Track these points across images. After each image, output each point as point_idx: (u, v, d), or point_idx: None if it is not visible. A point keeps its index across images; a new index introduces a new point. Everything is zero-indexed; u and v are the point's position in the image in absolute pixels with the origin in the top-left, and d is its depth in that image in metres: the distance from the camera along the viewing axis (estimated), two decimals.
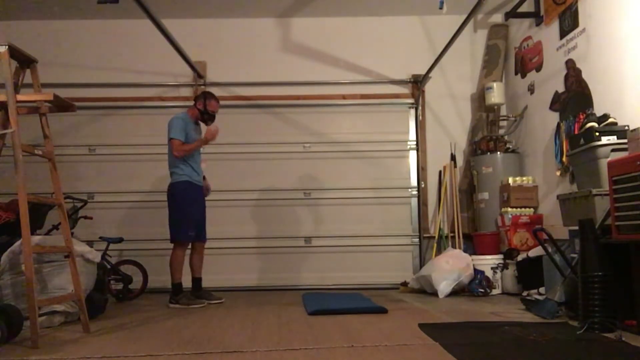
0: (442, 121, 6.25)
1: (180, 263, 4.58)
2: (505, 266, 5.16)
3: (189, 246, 4.70)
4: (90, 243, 4.52)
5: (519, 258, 4.96)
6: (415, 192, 6.15)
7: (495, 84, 5.80)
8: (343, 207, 6.06)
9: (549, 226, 4.74)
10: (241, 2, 5.94)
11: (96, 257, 3.97)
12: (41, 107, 3.29)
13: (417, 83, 6.18)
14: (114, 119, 6.13)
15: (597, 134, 3.84)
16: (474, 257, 5.27)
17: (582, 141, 4.00)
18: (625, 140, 3.58)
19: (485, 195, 5.70)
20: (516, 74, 5.89)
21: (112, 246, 5.11)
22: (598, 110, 4.25)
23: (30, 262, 2.90)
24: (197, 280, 4.75)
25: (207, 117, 4.75)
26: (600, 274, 3.07)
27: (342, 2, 5.99)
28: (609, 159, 3.62)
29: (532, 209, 5.35)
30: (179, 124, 4.56)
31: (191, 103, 6.10)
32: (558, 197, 4.24)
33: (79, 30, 6.20)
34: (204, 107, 4.72)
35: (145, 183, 6.00)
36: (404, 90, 6.27)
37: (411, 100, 6.24)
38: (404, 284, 5.58)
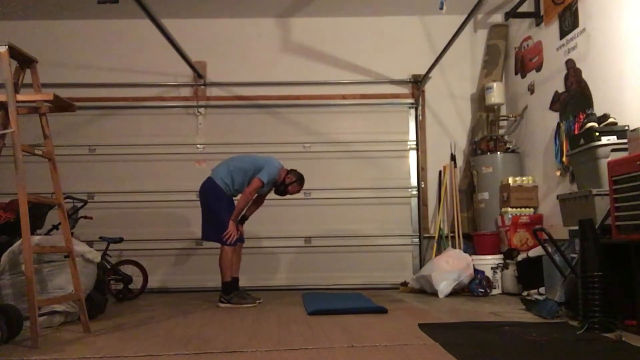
0: (442, 121, 6.25)
1: (229, 261, 4.52)
2: (505, 266, 5.16)
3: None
4: (90, 243, 4.51)
5: (519, 258, 4.96)
6: (415, 192, 6.15)
7: (495, 84, 5.80)
8: (343, 207, 6.06)
9: (549, 226, 4.75)
10: (241, 2, 5.94)
11: (96, 257, 3.96)
12: (41, 107, 3.29)
13: (417, 83, 6.18)
14: (114, 119, 6.13)
15: (597, 134, 3.84)
16: (474, 257, 5.27)
17: (582, 141, 4.00)
18: (625, 140, 3.58)
19: (485, 195, 5.70)
20: (516, 74, 5.89)
21: (112, 246, 5.11)
22: (598, 110, 4.25)
23: (30, 262, 2.90)
24: (235, 280, 4.70)
25: (282, 190, 4.70)
26: (600, 274, 3.07)
27: (342, 2, 5.99)
28: (609, 159, 3.62)
29: (532, 209, 5.35)
30: (273, 174, 4.54)
31: (191, 103, 6.16)
32: (558, 197, 4.24)
33: (79, 30, 6.20)
34: (288, 184, 4.66)
35: (145, 183, 6.00)
36: (404, 90, 6.27)
37: (411, 100, 6.24)
38: (404, 284, 5.58)
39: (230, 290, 4.52)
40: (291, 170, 4.74)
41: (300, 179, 4.72)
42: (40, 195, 3.58)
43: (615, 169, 3.20)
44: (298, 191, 4.77)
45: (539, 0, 5.30)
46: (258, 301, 4.58)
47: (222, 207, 4.55)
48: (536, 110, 5.41)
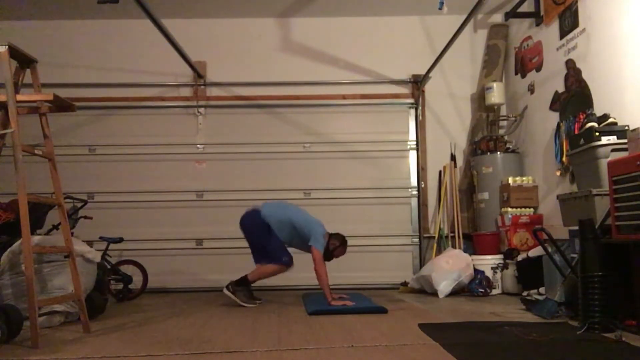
0: (442, 121, 6.25)
1: (269, 275, 4.61)
2: (505, 266, 5.16)
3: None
4: (90, 243, 4.51)
5: (519, 258, 4.96)
6: (415, 192, 6.15)
7: (495, 84, 5.80)
8: (343, 207, 6.06)
9: (549, 226, 4.74)
10: (241, 2, 5.94)
11: (96, 257, 3.97)
12: (41, 107, 3.29)
13: (417, 83, 6.18)
14: (114, 119, 6.13)
15: (597, 134, 3.84)
16: (474, 257, 5.27)
17: (582, 141, 4.00)
18: (625, 140, 3.58)
19: (485, 195, 5.70)
20: (516, 74, 5.89)
21: (112, 246, 5.11)
22: (598, 110, 4.25)
23: (30, 262, 2.90)
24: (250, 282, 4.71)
25: (328, 256, 4.64)
26: (600, 274, 3.07)
27: (342, 2, 5.99)
28: (609, 159, 3.62)
29: (532, 209, 5.35)
30: (322, 241, 4.51)
31: (191, 103, 6.16)
32: (558, 197, 4.24)
33: (79, 30, 6.20)
34: (332, 249, 4.63)
35: (145, 183, 6.00)
36: (404, 90, 6.27)
37: (411, 100, 6.24)
38: (404, 284, 5.58)
39: (242, 285, 4.55)
40: (333, 234, 4.67)
41: (343, 243, 4.69)
42: (40, 195, 3.58)
43: (615, 169, 3.20)
44: (343, 254, 4.75)
45: (539, 0, 5.30)
46: (258, 302, 4.62)
47: (271, 235, 4.60)
48: (536, 110, 5.41)
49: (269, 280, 5.83)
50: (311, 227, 4.52)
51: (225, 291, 4.52)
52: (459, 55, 6.10)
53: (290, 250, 4.70)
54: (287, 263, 4.60)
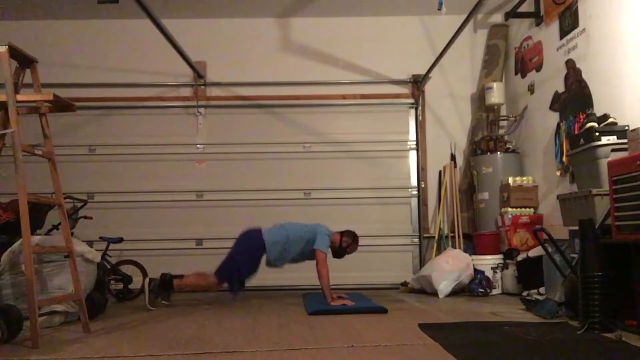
0: (442, 121, 6.25)
1: (196, 287, 4.60)
2: (505, 266, 5.16)
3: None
4: (90, 243, 4.51)
5: (519, 258, 4.96)
6: (415, 192, 6.15)
7: (495, 84, 5.80)
8: (343, 207, 6.06)
9: (549, 226, 4.74)
10: (241, 2, 5.94)
11: (96, 257, 3.96)
12: (41, 107, 3.29)
13: (417, 83, 6.18)
14: (114, 119, 6.13)
15: (597, 134, 3.84)
16: (474, 257, 5.27)
17: (582, 141, 4.00)
18: (625, 140, 3.58)
19: (485, 195, 5.70)
20: (516, 74, 5.89)
21: (112, 246, 5.11)
22: (598, 110, 4.25)
23: (30, 262, 2.90)
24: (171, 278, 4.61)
25: (341, 254, 4.66)
26: (600, 274, 3.07)
27: (342, 2, 5.99)
28: (609, 159, 3.62)
29: (532, 209, 5.35)
30: (326, 241, 4.47)
31: (191, 103, 6.16)
32: (558, 197, 4.24)
33: (79, 30, 6.20)
34: (345, 247, 4.62)
35: (145, 183, 6.00)
36: (404, 90, 6.27)
37: (411, 100, 6.24)
38: (404, 284, 5.58)
39: (167, 288, 4.46)
40: (344, 232, 4.66)
41: (355, 240, 4.67)
42: (40, 195, 3.58)
43: (615, 169, 3.20)
44: (355, 250, 4.73)
45: (539, 0, 5.30)
46: (165, 303, 4.52)
47: (249, 261, 4.50)
48: (536, 110, 5.40)
49: (268, 281, 5.86)
50: (315, 230, 4.50)
51: (145, 285, 4.41)
52: (459, 55, 6.10)
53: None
54: (236, 290, 4.49)
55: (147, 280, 4.50)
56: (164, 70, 6.12)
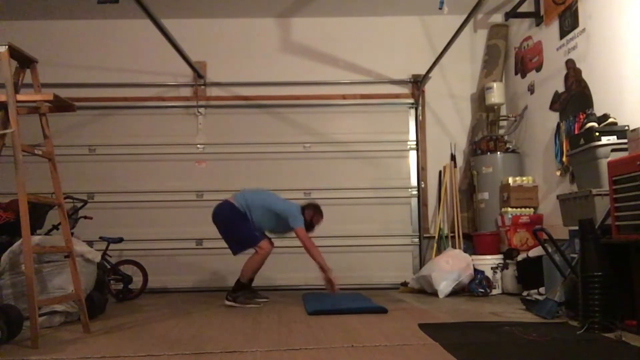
0: (442, 121, 6.25)
1: (256, 265, 4.59)
2: (505, 266, 5.16)
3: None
4: (90, 243, 4.51)
5: (519, 258, 4.96)
6: (415, 192, 6.15)
7: (495, 84, 5.80)
8: (343, 207, 6.06)
9: (549, 226, 4.74)
10: (241, 2, 5.93)
11: (96, 257, 3.97)
12: (41, 107, 3.29)
13: (417, 83, 6.18)
14: (114, 119, 6.13)
15: (597, 134, 3.84)
16: (474, 257, 5.27)
17: (582, 141, 4.00)
18: (625, 140, 3.58)
19: (485, 195, 5.70)
20: (516, 74, 5.89)
21: (112, 246, 5.11)
22: (598, 110, 4.25)
23: (31, 262, 2.90)
24: (249, 281, 4.72)
25: (311, 228, 4.71)
26: (600, 274, 3.07)
27: (342, 2, 5.99)
28: (609, 159, 3.62)
29: (532, 209, 5.35)
30: (298, 217, 4.55)
31: (191, 103, 6.16)
32: (558, 197, 4.24)
33: (79, 30, 6.20)
34: (310, 219, 4.68)
35: (145, 183, 6.00)
36: (404, 90, 6.27)
37: (411, 100, 6.24)
38: (404, 284, 5.58)
39: (239, 289, 4.54)
40: (304, 206, 4.72)
41: (317, 210, 4.74)
42: (40, 195, 3.58)
43: (615, 169, 3.20)
44: (321, 219, 4.79)
45: (539, 0, 5.30)
46: (264, 300, 4.61)
47: (241, 222, 4.59)
48: (536, 110, 5.40)
49: (268, 281, 5.86)
50: (286, 207, 4.59)
51: (227, 302, 4.49)
52: (459, 55, 6.10)
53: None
54: (261, 240, 4.56)
55: (225, 302, 4.51)
56: (164, 70, 6.12)
